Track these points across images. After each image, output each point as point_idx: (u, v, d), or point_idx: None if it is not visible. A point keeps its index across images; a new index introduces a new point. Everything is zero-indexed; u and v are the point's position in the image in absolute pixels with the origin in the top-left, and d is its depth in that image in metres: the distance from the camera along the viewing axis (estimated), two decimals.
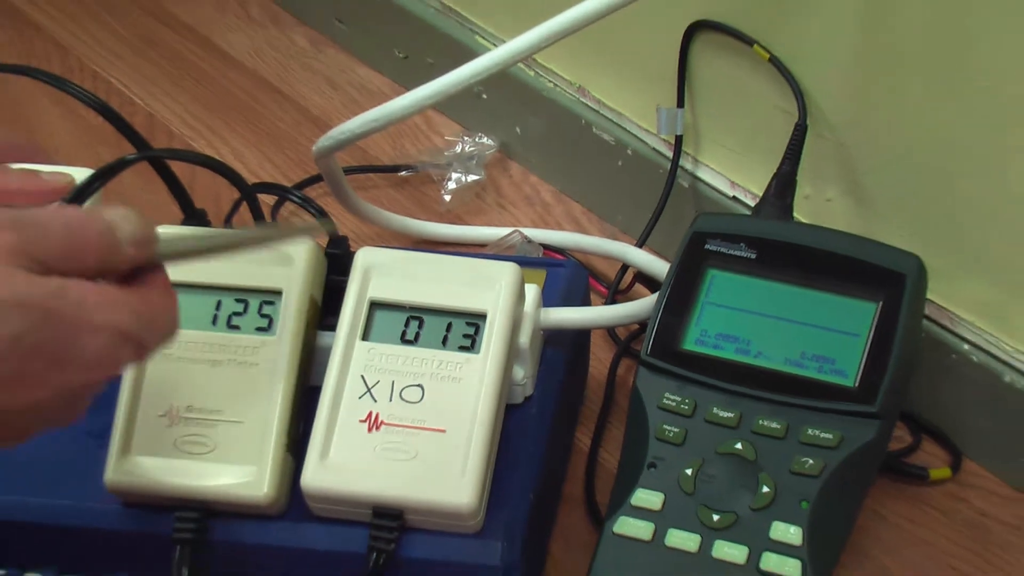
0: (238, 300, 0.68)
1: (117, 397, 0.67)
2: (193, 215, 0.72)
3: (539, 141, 0.99)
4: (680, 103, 0.87)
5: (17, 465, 0.67)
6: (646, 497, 0.69)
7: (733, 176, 0.87)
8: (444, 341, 0.67)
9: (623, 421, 0.74)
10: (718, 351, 0.72)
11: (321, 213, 0.75)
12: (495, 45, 0.90)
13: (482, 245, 0.92)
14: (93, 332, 0.51)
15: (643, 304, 0.78)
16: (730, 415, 0.70)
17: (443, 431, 0.65)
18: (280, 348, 0.67)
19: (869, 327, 0.71)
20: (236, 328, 0.68)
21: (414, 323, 0.68)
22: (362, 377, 0.67)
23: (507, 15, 0.99)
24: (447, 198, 0.98)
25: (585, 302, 0.80)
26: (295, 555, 0.66)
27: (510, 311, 0.67)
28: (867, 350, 0.70)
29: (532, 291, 0.71)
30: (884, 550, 0.75)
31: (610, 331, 0.87)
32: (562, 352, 0.75)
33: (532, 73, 0.97)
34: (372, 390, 0.66)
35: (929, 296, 0.75)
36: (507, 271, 0.68)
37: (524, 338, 0.69)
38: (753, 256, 0.74)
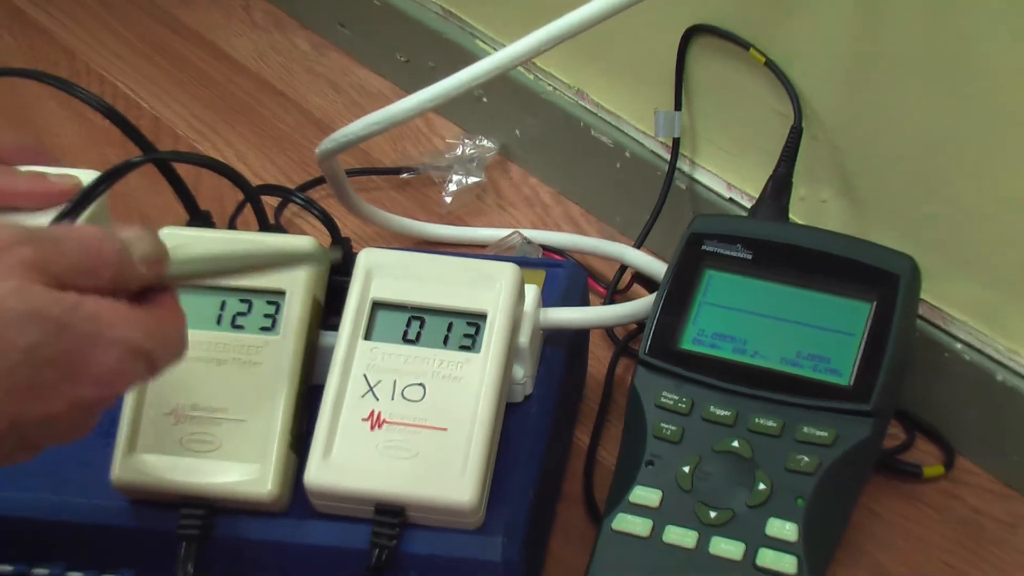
0: (242, 300, 0.68)
1: (123, 396, 0.67)
2: (198, 216, 0.72)
3: (538, 143, 0.99)
4: (677, 106, 0.87)
5: (26, 463, 0.67)
6: (644, 494, 0.69)
7: (730, 178, 0.87)
8: (445, 341, 0.67)
9: (621, 419, 0.74)
10: (715, 350, 0.72)
11: (324, 215, 0.75)
12: (495, 49, 0.90)
13: (482, 246, 0.92)
14: (107, 347, 0.51)
15: (641, 304, 0.78)
16: (727, 413, 0.70)
17: (444, 429, 0.65)
18: (284, 347, 0.67)
19: (864, 326, 0.71)
20: (240, 328, 0.68)
21: (415, 323, 0.68)
22: (364, 376, 0.67)
23: (507, 20, 0.99)
24: (448, 200, 0.98)
25: (584, 302, 0.80)
26: (298, 551, 0.66)
27: (510, 311, 0.67)
28: (862, 349, 0.70)
29: (532, 291, 0.71)
30: (879, 546, 0.75)
31: (608, 331, 0.87)
32: (561, 351, 0.75)
33: (531, 76, 0.97)
34: (374, 389, 0.66)
35: (923, 296, 0.75)
36: (507, 271, 0.68)
37: (524, 338, 0.69)
38: (749, 257, 0.74)
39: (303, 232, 0.94)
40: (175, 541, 0.65)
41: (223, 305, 0.68)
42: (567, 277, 0.78)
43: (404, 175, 1.00)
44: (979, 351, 0.77)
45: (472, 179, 0.99)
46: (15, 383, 0.49)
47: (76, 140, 1.05)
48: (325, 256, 0.63)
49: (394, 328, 0.68)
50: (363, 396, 0.66)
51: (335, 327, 0.69)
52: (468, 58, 0.78)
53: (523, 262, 0.73)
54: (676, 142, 0.88)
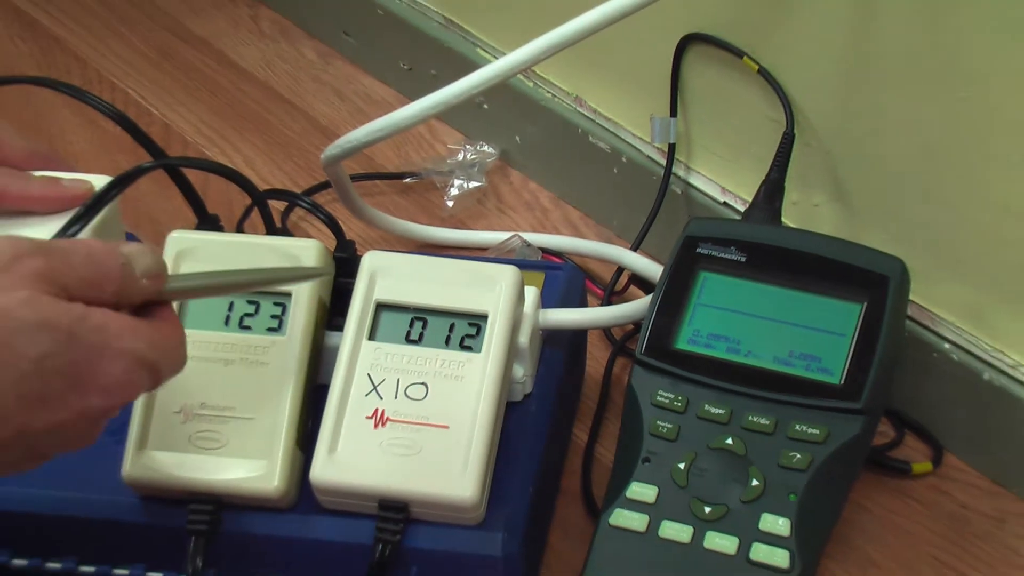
0: (250, 302, 0.68)
1: (128, 405, 0.66)
2: (206, 220, 0.72)
3: (538, 149, 0.99)
4: (673, 113, 0.87)
5: None
6: (640, 490, 0.69)
7: (724, 182, 0.87)
8: (447, 341, 0.67)
9: (619, 417, 0.74)
10: (710, 350, 0.72)
11: (329, 219, 0.75)
12: (496, 57, 0.90)
13: (483, 249, 0.92)
14: (114, 358, 0.51)
15: (638, 305, 0.78)
16: (721, 411, 0.70)
17: (446, 427, 0.65)
18: (290, 348, 0.67)
19: (854, 327, 0.71)
20: (248, 328, 0.68)
21: (418, 323, 0.68)
22: (368, 375, 0.67)
23: (507, 29, 0.99)
24: (450, 204, 0.98)
25: (582, 303, 0.80)
26: (304, 546, 0.66)
27: (510, 312, 0.67)
28: (852, 349, 0.70)
29: (531, 293, 0.71)
30: (868, 540, 0.75)
31: (606, 331, 0.87)
32: (560, 351, 0.75)
33: (531, 84, 0.97)
34: (378, 388, 0.66)
35: (912, 297, 0.75)
36: (507, 274, 0.68)
37: (524, 338, 0.69)
38: (743, 259, 0.74)
39: (309, 235, 0.94)
40: (184, 536, 0.65)
41: (231, 306, 0.68)
42: (566, 279, 0.78)
43: (407, 180, 1.00)
44: (966, 351, 0.77)
45: (473, 184, 0.99)
46: (24, 392, 0.49)
47: (88, 146, 1.05)
48: (320, 272, 0.63)
49: (397, 328, 0.68)
50: (367, 395, 0.66)
51: (340, 328, 0.69)
52: (469, 66, 0.78)
53: (523, 264, 0.73)
54: (672, 148, 0.88)
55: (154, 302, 0.54)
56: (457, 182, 0.99)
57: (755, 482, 0.68)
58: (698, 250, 0.74)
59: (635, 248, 0.89)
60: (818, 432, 0.69)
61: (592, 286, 0.89)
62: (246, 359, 0.67)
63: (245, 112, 1.09)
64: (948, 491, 0.78)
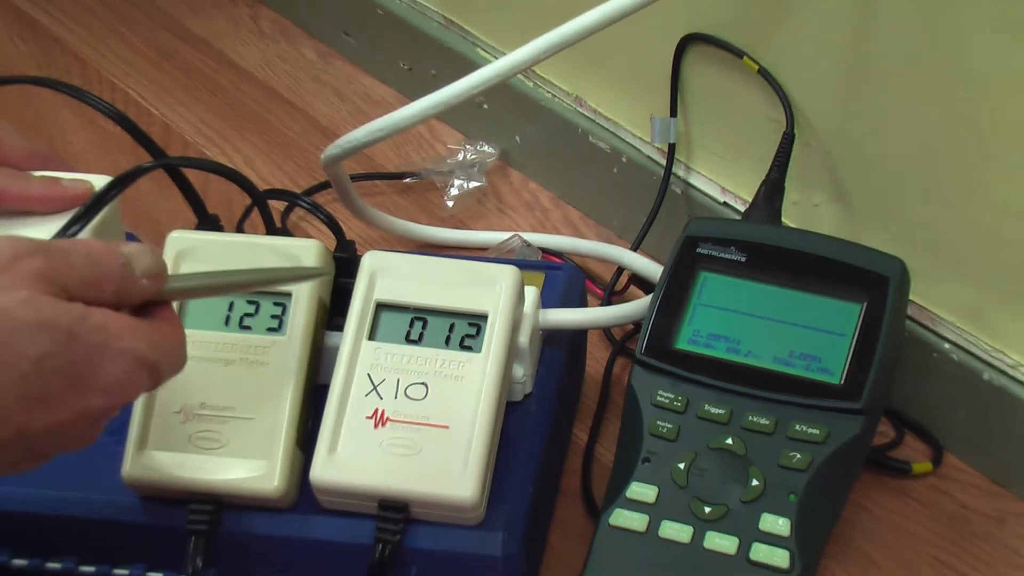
0: (250, 302, 0.68)
1: (128, 405, 0.66)
2: (207, 220, 0.72)
3: (538, 149, 0.99)
4: (673, 113, 0.87)
5: None
6: (640, 490, 0.69)
7: (724, 183, 0.87)
8: (447, 341, 0.67)
9: (619, 417, 0.74)
10: (710, 350, 0.72)
11: (329, 219, 0.74)
12: (496, 57, 0.89)
13: (483, 249, 0.92)
14: (114, 358, 0.51)
15: (638, 305, 0.78)
16: (721, 411, 0.70)
17: (446, 427, 0.65)
18: (290, 348, 0.67)
19: (854, 327, 0.70)
20: (248, 328, 0.68)
21: (418, 323, 0.68)
22: (368, 375, 0.66)
23: (507, 29, 0.99)
24: (450, 204, 0.98)
25: (582, 303, 0.80)
26: (304, 546, 0.66)
27: (510, 312, 0.67)
28: (852, 349, 0.70)
29: (531, 293, 0.71)
30: (868, 540, 0.75)
31: (606, 331, 0.87)
32: (560, 351, 0.74)
33: (531, 84, 0.97)
34: (378, 388, 0.66)
35: (912, 297, 0.75)
36: (507, 274, 0.68)
37: (524, 338, 0.69)
38: (743, 259, 0.73)
39: (309, 235, 0.94)
40: (184, 536, 0.65)
41: (231, 306, 0.68)
42: (566, 279, 0.78)
43: (407, 180, 1.00)
44: (966, 351, 0.76)
45: (473, 184, 0.99)
46: (25, 392, 0.49)
47: (88, 146, 1.05)
48: (320, 272, 0.63)
49: (397, 328, 0.68)
50: (367, 395, 0.66)
51: (340, 328, 0.68)
52: (469, 66, 0.78)
53: (523, 264, 0.73)
54: (672, 148, 0.88)
55: (154, 302, 0.54)
56: (457, 182, 0.98)
57: (755, 482, 0.68)
58: (698, 250, 0.74)
59: (635, 248, 0.89)
60: (818, 432, 0.68)
61: (592, 286, 0.89)
62: (246, 359, 0.67)
63: (245, 112, 1.09)
64: (948, 491, 0.78)
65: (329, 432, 0.65)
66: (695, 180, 0.88)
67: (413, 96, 0.79)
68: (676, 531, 0.68)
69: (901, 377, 0.76)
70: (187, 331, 0.66)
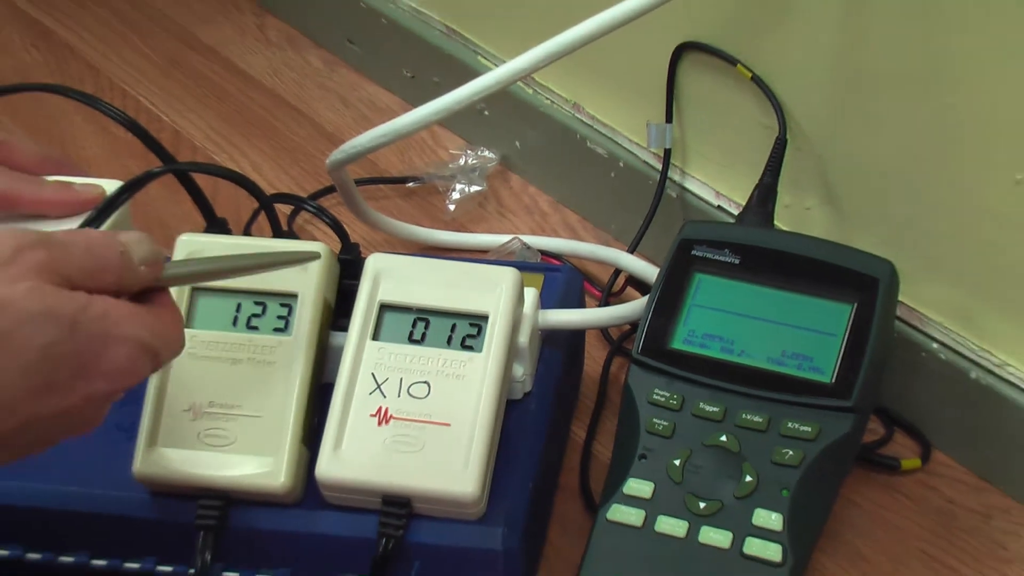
0: (257, 303, 0.68)
1: (144, 393, 0.66)
2: (215, 223, 0.72)
3: (537, 154, 0.99)
4: (669, 119, 0.87)
5: (52, 456, 0.66)
6: (637, 486, 0.69)
7: (718, 187, 0.87)
8: (449, 341, 0.67)
9: (616, 415, 0.74)
10: (704, 350, 0.72)
11: (334, 222, 0.75)
12: (496, 65, 0.89)
13: (484, 251, 0.92)
14: (116, 344, 0.51)
15: (634, 306, 0.78)
16: (715, 409, 0.70)
17: (448, 425, 0.65)
18: (296, 347, 0.67)
19: (845, 327, 0.70)
20: (255, 329, 0.68)
21: (421, 324, 0.68)
22: (372, 374, 0.66)
23: (507, 37, 0.99)
24: (451, 207, 0.98)
25: (580, 304, 0.80)
26: (310, 540, 0.66)
27: (510, 312, 0.67)
28: (843, 349, 0.70)
29: (531, 294, 0.71)
30: (858, 534, 0.75)
31: (604, 331, 0.87)
32: (559, 351, 0.74)
33: (530, 91, 0.97)
34: (382, 386, 0.66)
35: (901, 298, 0.75)
36: (507, 275, 0.68)
37: (523, 338, 0.69)
38: (737, 261, 0.73)
39: (314, 238, 0.94)
40: (193, 531, 0.65)
41: (238, 307, 0.68)
42: (564, 281, 0.78)
43: (410, 184, 1.00)
44: (954, 351, 0.76)
45: (474, 188, 0.99)
46: (31, 380, 0.49)
47: (100, 152, 1.05)
48: (312, 255, 0.63)
49: (400, 329, 0.68)
50: (371, 393, 0.66)
51: (345, 328, 0.68)
52: (470, 74, 0.78)
53: (522, 266, 0.73)
54: (667, 153, 0.88)
55: (152, 288, 0.54)
56: (459, 186, 0.99)
57: (748, 478, 0.68)
58: (693, 252, 0.74)
59: (632, 250, 0.89)
60: (810, 429, 0.68)
61: (590, 287, 0.89)
62: (253, 359, 0.67)
63: (253, 118, 1.09)
64: (936, 487, 0.78)
65: (334, 429, 0.65)
66: (690, 184, 0.88)
67: (416, 103, 0.79)
68: (672, 526, 0.68)
69: (890, 376, 0.76)
70: (196, 331, 0.67)
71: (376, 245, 0.94)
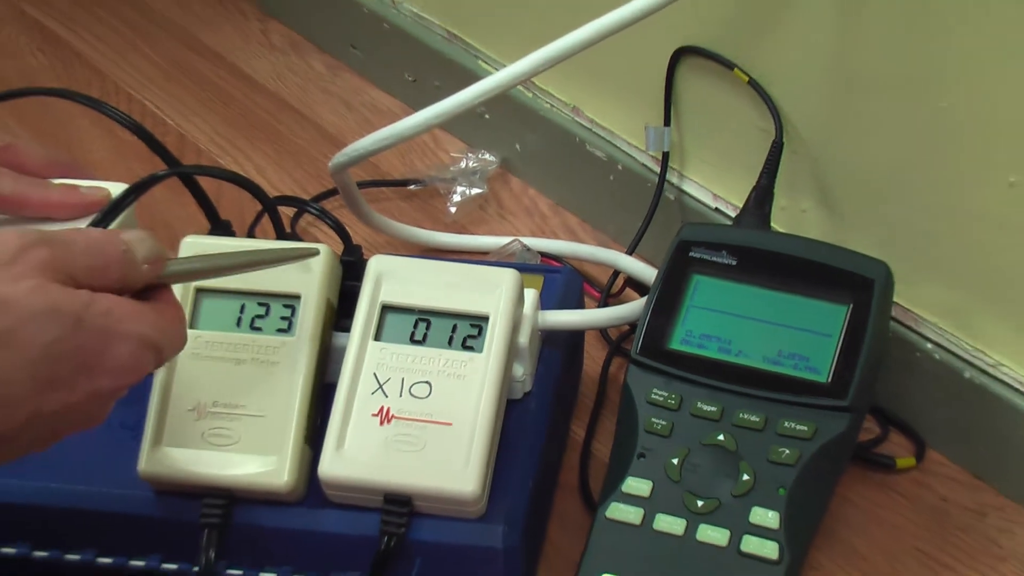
0: (260, 304, 0.68)
1: (149, 393, 0.66)
2: (219, 226, 0.72)
3: (537, 157, 0.99)
4: (667, 122, 0.87)
5: (58, 455, 0.66)
6: (636, 485, 0.69)
7: (715, 189, 0.87)
8: (450, 341, 0.67)
9: (615, 415, 0.74)
10: (702, 350, 0.72)
11: (337, 224, 0.75)
12: (496, 69, 0.89)
13: (484, 253, 0.92)
14: (120, 341, 0.51)
15: (633, 307, 0.78)
16: (713, 409, 0.70)
17: (449, 424, 0.65)
18: (299, 348, 0.67)
19: (840, 328, 0.70)
20: (259, 329, 0.68)
21: (422, 324, 0.68)
22: (374, 374, 0.66)
23: (507, 42, 0.99)
24: (452, 210, 0.98)
25: (579, 305, 0.80)
26: (313, 538, 0.66)
27: (510, 313, 0.67)
28: (839, 349, 0.70)
29: (531, 295, 0.71)
30: (854, 532, 0.75)
31: (603, 332, 0.87)
32: (559, 351, 0.74)
33: (530, 95, 0.97)
34: (383, 386, 0.66)
35: (896, 299, 0.75)
36: (507, 277, 0.68)
37: (523, 338, 0.69)
38: (734, 263, 0.73)
39: (317, 240, 0.94)
40: (197, 529, 0.65)
41: (242, 308, 0.68)
42: (564, 282, 0.78)
43: (411, 187, 1.00)
44: (948, 351, 0.76)
45: (475, 190, 0.99)
46: (36, 377, 0.49)
47: (106, 155, 1.05)
48: (311, 252, 0.63)
49: (402, 329, 0.68)
50: (373, 393, 0.66)
51: (347, 329, 0.68)
52: (471, 78, 0.78)
53: (523, 268, 0.73)
54: (666, 156, 0.88)
55: (154, 285, 0.54)
56: (460, 189, 0.99)
57: (745, 477, 0.68)
58: (691, 254, 0.74)
59: (630, 252, 0.89)
60: (806, 429, 0.68)
61: (589, 289, 0.89)
62: (257, 359, 0.67)
63: (256, 122, 1.09)
64: (930, 485, 0.78)
65: (337, 429, 0.65)
66: (688, 187, 0.88)
67: (417, 107, 0.79)
68: (670, 524, 0.68)
69: (885, 376, 0.76)
70: (200, 332, 0.67)
71: (378, 247, 0.94)
